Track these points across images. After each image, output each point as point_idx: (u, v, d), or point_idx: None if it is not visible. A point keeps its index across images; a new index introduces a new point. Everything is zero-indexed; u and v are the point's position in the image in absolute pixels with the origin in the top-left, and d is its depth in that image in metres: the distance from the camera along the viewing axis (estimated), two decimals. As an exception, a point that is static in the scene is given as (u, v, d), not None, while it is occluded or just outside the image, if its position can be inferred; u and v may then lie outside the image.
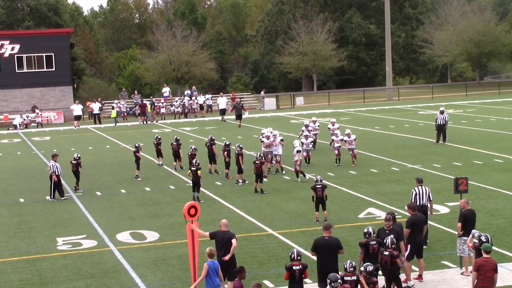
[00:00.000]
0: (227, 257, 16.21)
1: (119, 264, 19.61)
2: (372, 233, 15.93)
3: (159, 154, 35.12)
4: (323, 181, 23.16)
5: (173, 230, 22.74)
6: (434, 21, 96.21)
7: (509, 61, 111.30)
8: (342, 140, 33.23)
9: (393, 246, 15.40)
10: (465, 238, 17.33)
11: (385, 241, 15.60)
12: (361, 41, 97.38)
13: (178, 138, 33.92)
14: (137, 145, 32.25)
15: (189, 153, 30.03)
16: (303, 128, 35.55)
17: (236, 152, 29.81)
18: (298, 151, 29.41)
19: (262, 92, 72.56)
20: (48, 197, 28.73)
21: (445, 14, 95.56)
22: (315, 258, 16.14)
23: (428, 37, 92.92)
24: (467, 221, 17.44)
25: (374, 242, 15.84)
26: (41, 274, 19.10)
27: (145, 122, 58.70)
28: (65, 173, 34.11)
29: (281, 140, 31.90)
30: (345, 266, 14.41)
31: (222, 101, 59.36)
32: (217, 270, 15.16)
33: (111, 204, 27.18)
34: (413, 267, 17.30)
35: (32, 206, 27.42)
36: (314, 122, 38.14)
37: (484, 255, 14.63)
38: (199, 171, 26.55)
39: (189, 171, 27.05)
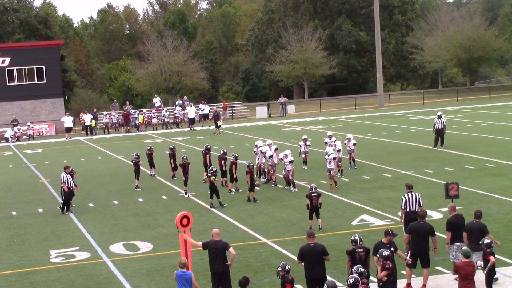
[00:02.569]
0: (230, 263, 16.24)
1: (113, 276, 19.56)
2: (358, 240, 15.91)
3: (151, 164, 35.08)
4: (317, 189, 23.13)
5: (166, 241, 22.70)
6: (423, 27, 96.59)
7: (499, 66, 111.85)
8: (339, 150, 32.86)
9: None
10: (458, 244, 17.35)
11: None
12: (352, 48, 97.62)
13: (173, 146, 34.05)
14: (137, 155, 32.26)
15: (181, 163, 30.01)
16: (301, 143, 34.80)
17: (231, 161, 29.82)
18: (291, 161, 29.40)
19: (282, 98, 71.62)
20: (40, 210, 28.65)
21: (435, 20, 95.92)
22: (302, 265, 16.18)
23: (418, 43, 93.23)
24: (455, 227, 17.45)
25: (360, 250, 15.83)
26: (34, 287, 19.03)
27: (128, 131, 59.50)
28: (59, 186, 34.07)
29: (276, 149, 31.82)
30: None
31: (191, 111, 59.44)
32: (189, 280, 14.97)
33: (103, 215, 27.13)
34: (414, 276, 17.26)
35: (24, 219, 27.33)
36: (330, 137, 34.28)
37: (463, 259, 15.07)
38: (213, 177, 26.69)
39: (205, 177, 27.20)
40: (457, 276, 17.25)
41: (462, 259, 15.15)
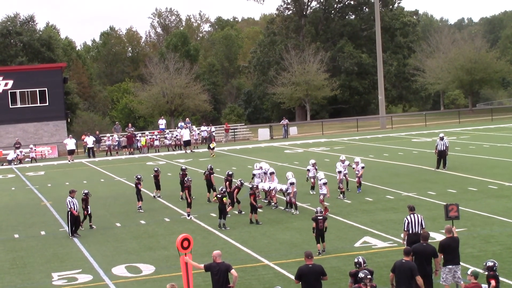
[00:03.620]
0: (232, 285, 16.20)
1: (115, 298, 19.50)
2: (362, 263, 15.89)
3: (157, 186, 35.14)
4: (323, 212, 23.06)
5: (168, 263, 22.65)
6: (425, 49, 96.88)
7: (501, 87, 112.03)
8: (339, 172, 32.87)
9: (368, 277, 15.25)
10: (450, 266, 17.29)
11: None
12: (353, 70, 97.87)
13: (185, 167, 34.01)
14: (139, 176, 32.31)
15: (185, 185, 30.02)
16: (310, 167, 33.80)
17: (236, 185, 30.03)
18: (292, 183, 29.39)
19: (284, 120, 71.79)
20: (43, 232, 28.63)
21: (436, 42, 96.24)
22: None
23: (420, 65, 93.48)
24: (448, 249, 17.37)
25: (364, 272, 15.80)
26: (36, 310, 18.97)
27: (131, 153, 59.97)
28: (61, 209, 34.07)
29: (272, 173, 31.92)
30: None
31: (186, 133, 59.50)
32: None
33: (106, 237, 27.09)
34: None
35: (26, 242, 27.30)
36: (343, 161, 33.85)
37: (472, 280, 15.00)
38: (224, 198, 27.03)
39: (215, 198, 27.83)
40: None
41: (471, 280, 15.06)
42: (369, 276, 14.81)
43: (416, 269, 16.15)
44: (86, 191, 29.13)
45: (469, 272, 15.31)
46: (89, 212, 28.95)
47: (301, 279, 15.96)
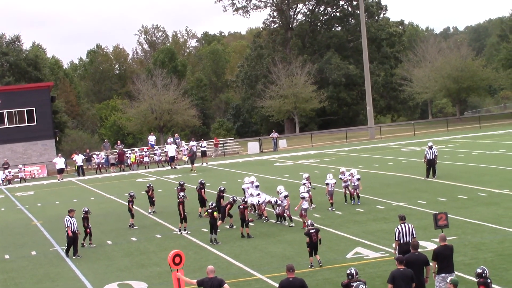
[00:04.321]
0: None
1: (108, 317, 19.41)
2: (354, 274, 15.90)
3: (151, 202, 35.18)
4: (315, 224, 23.01)
5: (161, 279, 22.58)
6: (412, 59, 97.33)
7: (488, 95, 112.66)
8: (327, 184, 32.88)
9: (357, 276, 15.34)
10: (443, 275, 17.33)
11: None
12: (341, 82, 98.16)
13: (203, 181, 33.73)
14: (131, 194, 32.39)
15: (178, 201, 30.00)
16: (305, 181, 33.15)
17: (229, 201, 30.18)
18: (286, 196, 29.39)
19: (274, 133, 71.88)
20: (33, 252, 28.50)
21: (423, 51, 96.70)
22: None
23: (407, 74, 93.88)
24: (441, 257, 17.42)
25: (356, 283, 15.81)
26: (29, 330, 18.86)
27: (122, 170, 60.13)
28: (51, 228, 33.94)
29: (256, 187, 32.24)
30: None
31: (171, 149, 59.57)
32: None
33: (97, 255, 26.98)
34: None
35: (17, 262, 27.16)
36: (343, 173, 33.71)
37: None
38: (215, 213, 27.08)
39: (206, 213, 27.83)
40: None
41: None
42: (362, 286, 14.83)
43: (414, 276, 16.26)
44: (86, 209, 29.04)
45: (448, 280, 15.34)
46: (90, 230, 28.83)
47: None
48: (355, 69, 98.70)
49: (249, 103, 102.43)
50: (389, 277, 16.30)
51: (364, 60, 78.54)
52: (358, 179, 33.01)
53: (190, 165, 56.11)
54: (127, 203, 32.63)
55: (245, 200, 29.32)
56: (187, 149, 64.03)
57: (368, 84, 77.85)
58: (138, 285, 22.17)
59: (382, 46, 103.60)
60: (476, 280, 15.50)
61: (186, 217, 29.94)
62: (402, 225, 19.62)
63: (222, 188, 32.08)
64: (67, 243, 27.03)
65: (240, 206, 28.21)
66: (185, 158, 57.28)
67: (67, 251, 27.21)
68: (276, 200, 29.76)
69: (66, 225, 26.77)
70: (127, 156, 62.47)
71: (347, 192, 33.23)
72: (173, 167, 58.78)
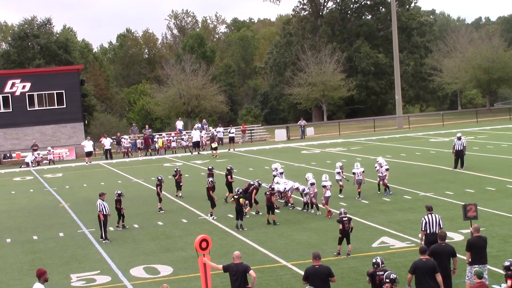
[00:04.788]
0: (251, 286, 16.21)
1: (133, 299, 19.55)
2: (380, 263, 15.85)
3: (178, 186, 35.43)
4: (347, 213, 22.83)
5: (186, 264, 22.69)
6: (442, 49, 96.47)
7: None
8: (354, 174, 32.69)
9: (387, 280, 15.12)
10: (476, 266, 17.22)
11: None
12: (370, 70, 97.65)
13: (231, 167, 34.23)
14: (159, 178, 32.76)
15: (207, 186, 30.19)
16: (338, 170, 32.77)
17: (254, 186, 30.33)
18: (313, 184, 29.35)
19: (301, 121, 71.85)
20: (61, 234, 28.77)
21: (453, 41, 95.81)
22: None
23: (437, 64, 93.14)
24: (475, 248, 17.33)
25: (381, 273, 15.74)
26: (55, 311, 19.06)
27: (149, 155, 60.85)
28: (79, 210, 34.25)
29: (281, 173, 32.48)
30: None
31: (196, 134, 59.54)
32: None
33: (124, 239, 27.17)
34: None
35: (45, 243, 27.44)
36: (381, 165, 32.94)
37: (477, 280, 14.95)
38: (241, 199, 27.12)
39: (232, 198, 28.23)
40: None
41: (475, 280, 15.02)
42: (394, 275, 14.76)
43: (437, 266, 16.16)
44: (119, 192, 29.30)
45: (472, 271, 15.25)
46: (123, 212, 29.06)
47: (308, 280, 15.99)
48: (384, 58, 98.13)
49: (277, 90, 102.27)
50: (410, 267, 16.22)
51: (394, 49, 78.04)
52: (387, 169, 32.74)
53: (212, 151, 56.13)
54: (155, 187, 32.84)
55: (272, 187, 29.34)
56: (210, 135, 64.15)
57: (397, 73, 77.35)
58: (163, 269, 22.30)
59: (413, 35, 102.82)
60: (504, 273, 15.42)
61: (215, 202, 30.09)
62: (429, 215, 19.52)
63: (229, 167, 33.20)
64: (102, 225, 26.95)
65: (267, 193, 28.24)
66: (214, 145, 57.33)
67: (105, 234, 26.99)
68: (304, 188, 29.71)
69: (98, 209, 26.77)
70: (155, 141, 62.74)
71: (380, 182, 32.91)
72: (198, 152, 58.85)
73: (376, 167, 33.19)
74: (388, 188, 32.76)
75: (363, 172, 32.48)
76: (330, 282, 15.97)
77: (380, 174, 32.82)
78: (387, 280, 14.97)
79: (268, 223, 27.77)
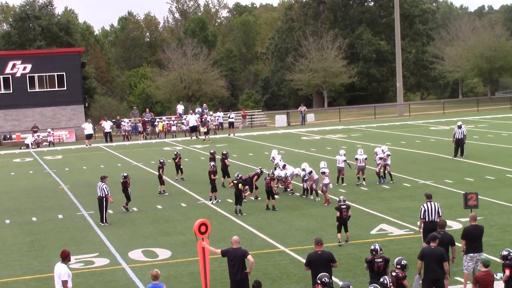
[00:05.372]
0: (249, 271, 16.27)
1: (132, 282, 19.62)
2: (378, 250, 15.89)
3: (178, 169, 35.46)
4: (346, 201, 22.79)
5: (185, 248, 22.74)
6: (444, 37, 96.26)
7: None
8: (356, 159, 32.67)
9: (398, 266, 15.28)
10: (471, 254, 17.27)
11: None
12: (372, 58, 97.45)
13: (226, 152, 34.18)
14: (161, 160, 32.90)
15: (209, 170, 30.24)
16: (343, 157, 32.29)
17: (256, 172, 30.57)
18: (310, 172, 29.30)
19: (302, 107, 71.72)
20: (60, 216, 28.80)
21: (456, 29, 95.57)
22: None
23: (438, 52, 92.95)
24: (470, 237, 17.34)
25: (380, 260, 15.81)
26: (53, 292, 19.10)
27: (145, 138, 61.10)
28: (78, 193, 34.28)
29: (280, 160, 32.61)
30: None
31: (192, 119, 59.42)
32: None
33: (123, 222, 27.22)
34: None
35: (44, 225, 27.49)
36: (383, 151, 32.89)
37: (483, 269, 14.99)
38: (240, 184, 27.09)
39: (232, 183, 28.34)
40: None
41: (481, 268, 15.06)
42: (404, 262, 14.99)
43: (445, 254, 16.23)
44: (125, 174, 29.35)
45: (480, 259, 15.30)
46: (129, 195, 29.16)
47: (310, 265, 16.03)
48: (386, 45, 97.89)
49: (278, 75, 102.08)
50: (419, 254, 16.28)
51: (396, 37, 77.86)
52: (380, 158, 32.66)
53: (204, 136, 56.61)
54: (154, 171, 32.88)
55: (273, 172, 29.39)
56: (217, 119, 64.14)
57: (399, 60, 77.22)
58: (162, 253, 22.35)
59: (415, 23, 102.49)
60: (502, 262, 15.45)
61: (216, 187, 30.12)
62: (428, 203, 19.53)
63: (224, 152, 33.34)
64: (105, 209, 26.91)
65: (267, 178, 28.26)
66: (204, 129, 57.42)
67: (105, 217, 26.92)
68: (305, 174, 29.66)
69: (106, 192, 26.51)
70: (155, 124, 62.69)
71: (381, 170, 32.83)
72: (193, 137, 58.52)
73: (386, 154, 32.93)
74: (383, 177, 32.69)
75: (365, 159, 32.49)
76: (332, 268, 15.98)
77: (377, 162, 32.70)
78: (398, 266, 15.12)
79: (267, 209, 27.81)
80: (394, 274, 15.22)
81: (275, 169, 31.45)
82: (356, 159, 32.48)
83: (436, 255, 16.05)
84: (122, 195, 31.26)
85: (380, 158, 32.51)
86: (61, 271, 15.79)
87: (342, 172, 32.24)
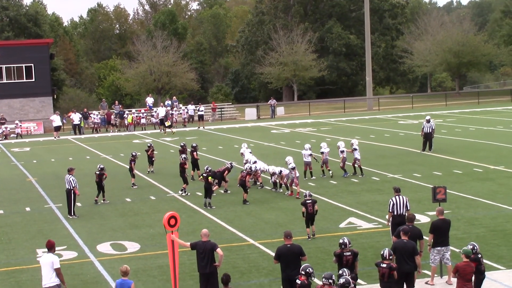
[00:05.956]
0: (218, 264, 16.28)
1: (100, 276, 19.52)
2: (347, 243, 15.98)
3: (150, 161, 35.35)
4: (312, 195, 22.82)
5: (154, 241, 22.67)
6: (413, 32, 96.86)
7: (488, 71, 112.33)
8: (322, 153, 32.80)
9: (390, 257, 15.40)
10: (439, 248, 17.44)
11: (382, 252, 15.62)
12: (342, 51, 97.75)
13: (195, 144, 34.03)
14: (133, 153, 32.83)
15: (180, 162, 30.13)
16: (309, 151, 32.33)
17: (226, 166, 30.46)
18: (293, 168, 28.79)
19: (272, 100, 71.59)
20: (28, 208, 28.55)
21: (425, 24, 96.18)
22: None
23: (408, 47, 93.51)
24: (438, 231, 17.49)
25: (348, 253, 15.93)
26: (20, 285, 18.97)
27: (118, 131, 60.91)
28: (46, 185, 34.00)
29: (250, 152, 32.69)
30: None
31: (162, 111, 59.23)
32: None
33: (91, 215, 27.05)
34: None
35: (11, 218, 27.23)
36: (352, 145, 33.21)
37: (464, 259, 15.24)
38: (209, 178, 27.00)
39: (201, 177, 28.19)
40: (446, 279, 17.41)
41: (463, 259, 15.23)
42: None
43: (416, 248, 16.41)
44: (102, 166, 29.20)
45: (461, 250, 15.49)
46: (103, 187, 29.06)
47: (279, 258, 16.08)
48: (356, 39, 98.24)
49: (248, 69, 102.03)
50: (391, 247, 16.34)
51: (365, 31, 78.16)
52: (342, 152, 32.74)
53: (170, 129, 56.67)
54: (123, 163, 32.74)
55: (250, 167, 29.42)
56: (186, 112, 63.91)
57: (369, 55, 77.58)
58: (130, 246, 22.26)
59: (384, 17, 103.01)
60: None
61: (187, 179, 30.06)
62: (397, 197, 19.66)
63: (194, 145, 33.23)
64: (74, 201, 26.71)
65: (243, 172, 28.44)
66: (167, 123, 57.17)
67: (73, 210, 26.69)
68: (281, 170, 29.33)
69: (73, 184, 26.30)
70: (125, 117, 62.33)
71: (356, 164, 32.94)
72: (163, 130, 57.90)
73: (353, 148, 33.05)
74: (346, 171, 32.77)
75: (328, 151, 32.81)
76: (301, 261, 16.02)
77: (340, 156, 32.74)
78: (390, 257, 15.44)
79: (245, 202, 27.58)
80: (385, 265, 15.35)
81: (244, 164, 31.33)
82: (322, 152, 32.58)
83: (408, 249, 16.15)
84: (90, 187, 31.13)
85: (341, 152, 32.65)
86: (53, 260, 15.96)
87: (310, 166, 32.27)
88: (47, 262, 15.94)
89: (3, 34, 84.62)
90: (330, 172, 32.49)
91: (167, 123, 56.42)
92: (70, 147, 50.79)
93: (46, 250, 16.37)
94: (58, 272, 15.90)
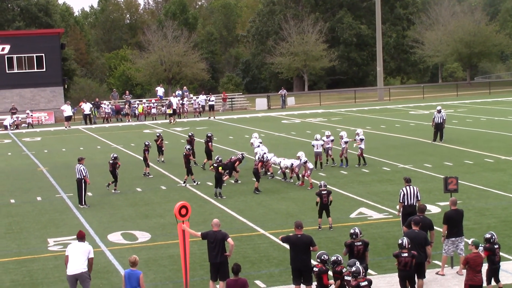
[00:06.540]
0: (229, 254, 16.27)
1: (111, 265, 19.58)
2: (358, 233, 15.98)
3: (159, 151, 35.46)
4: (327, 186, 22.73)
5: (164, 231, 22.71)
6: (425, 21, 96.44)
7: (500, 61, 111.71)
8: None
9: (409, 246, 15.37)
10: (453, 239, 17.39)
11: (400, 242, 15.56)
12: (352, 41, 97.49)
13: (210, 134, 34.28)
14: (146, 143, 32.88)
15: (184, 153, 30.00)
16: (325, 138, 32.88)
17: (237, 157, 30.49)
18: (305, 162, 28.77)
19: (282, 90, 71.47)
20: (39, 198, 28.65)
21: (436, 14, 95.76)
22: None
23: (419, 37, 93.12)
24: (452, 221, 17.44)
25: (359, 243, 15.93)
26: (32, 275, 19.05)
27: (120, 120, 61.76)
28: (57, 175, 34.11)
29: (260, 142, 32.60)
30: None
31: (174, 101, 59.20)
32: (138, 280, 14.73)
33: (102, 204, 27.12)
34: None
35: (23, 207, 27.33)
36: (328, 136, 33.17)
37: (474, 250, 15.14)
38: (220, 168, 27.02)
39: (212, 166, 28.22)
40: (458, 269, 17.38)
41: (472, 250, 15.17)
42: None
43: (428, 239, 16.38)
44: (115, 155, 29.36)
45: (470, 241, 15.43)
46: (117, 176, 29.18)
47: (288, 244, 16.19)
48: (367, 30, 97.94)
49: (259, 59, 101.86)
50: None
51: (376, 21, 77.91)
52: (346, 142, 32.67)
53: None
54: (134, 153, 32.79)
55: (263, 156, 29.46)
56: (198, 103, 63.91)
57: (380, 45, 77.33)
58: (141, 235, 22.32)
59: (395, 7, 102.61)
60: (483, 245, 15.62)
61: (191, 169, 30.00)
62: (407, 187, 19.61)
63: (209, 134, 33.58)
64: (85, 191, 26.77)
65: (256, 161, 28.79)
66: (169, 111, 57.41)
67: (84, 199, 26.79)
68: (292, 163, 29.31)
69: (84, 174, 26.35)
70: (134, 107, 62.39)
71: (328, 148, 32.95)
72: (173, 121, 57.86)
73: (356, 139, 33.10)
74: (346, 161, 32.70)
75: (332, 140, 32.98)
76: (311, 252, 16.02)
77: (342, 146, 32.69)
78: (409, 246, 15.36)
79: (257, 191, 27.59)
80: (406, 254, 15.31)
81: (255, 154, 31.32)
82: (324, 141, 32.54)
83: (419, 239, 16.14)
84: (101, 177, 31.26)
85: (345, 142, 32.59)
86: (90, 249, 16.29)
87: (320, 157, 32.24)
88: (83, 250, 16.14)
89: (14, 24, 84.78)
90: (334, 161, 32.75)
91: (169, 111, 56.62)
92: (81, 137, 50.92)
93: (76, 239, 16.61)
94: (91, 261, 16.19)
